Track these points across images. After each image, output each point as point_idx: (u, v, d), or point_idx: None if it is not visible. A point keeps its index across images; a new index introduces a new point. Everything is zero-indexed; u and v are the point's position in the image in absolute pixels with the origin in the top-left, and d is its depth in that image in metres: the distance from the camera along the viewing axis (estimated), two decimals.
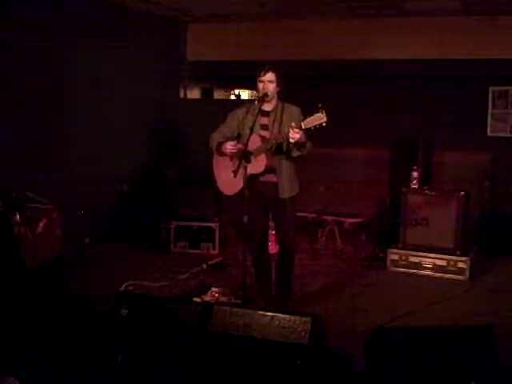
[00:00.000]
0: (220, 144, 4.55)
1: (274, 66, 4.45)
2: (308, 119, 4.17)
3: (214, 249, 6.62)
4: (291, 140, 4.19)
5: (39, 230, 4.95)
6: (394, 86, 7.51)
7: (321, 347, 3.24)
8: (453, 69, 7.12)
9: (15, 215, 4.70)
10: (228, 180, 4.51)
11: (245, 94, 10.41)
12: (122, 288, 4.97)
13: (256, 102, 4.46)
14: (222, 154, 4.55)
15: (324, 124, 4.11)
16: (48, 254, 5.06)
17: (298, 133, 4.14)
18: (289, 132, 4.17)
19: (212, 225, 6.66)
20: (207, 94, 9.64)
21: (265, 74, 4.41)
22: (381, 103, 7.53)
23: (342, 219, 6.99)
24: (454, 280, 5.78)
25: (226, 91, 10.31)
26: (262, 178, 4.48)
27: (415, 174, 6.22)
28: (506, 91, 7.28)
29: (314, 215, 7.06)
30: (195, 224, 6.68)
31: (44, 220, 5.01)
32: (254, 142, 4.36)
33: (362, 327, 4.29)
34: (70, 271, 5.34)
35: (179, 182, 7.49)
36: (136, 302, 3.53)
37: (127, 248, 6.68)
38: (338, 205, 6.97)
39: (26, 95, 5.66)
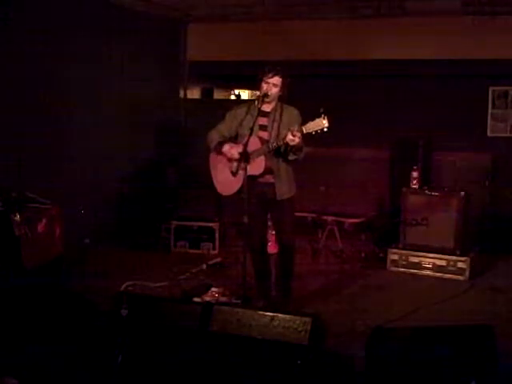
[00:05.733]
0: (220, 144, 4.55)
1: (281, 71, 4.42)
2: (309, 124, 4.16)
3: (214, 249, 6.62)
4: (290, 143, 4.18)
5: (39, 229, 4.94)
6: (394, 86, 7.51)
7: (321, 347, 3.24)
8: (453, 69, 7.12)
9: (15, 215, 4.70)
10: (225, 180, 4.51)
11: (245, 94, 10.39)
12: (122, 288, 4.97)
13: (256, 102, 4.46)
14: (221, 154, 4.55)
15: (325, 129, 4.10)
16: (48, 254, 5.06)
17: (297, 136, 4.14)
18: (287, 135, 4.16)
19: (212, 225, 6.65)
20: (207, 94, 9.64)
21: (272, 77, 4.39)
22: (381, 103, 7.52)
23: (342, 219, 6.99)
24: (454, 280, 5.78)
25: (226, 91, 10.30)
26: (260, 179, 4.49)
27: (415, 174, 6.21)
28: (506, 91, 7.28)
29: (314, 215, 7.06)
30: (195, 224, 6.68)
31: (44, 220, 5.01)
32: (253, 144, 4.35)
33: (361, 327, 4.29)
34: (70, 271, 5.34)
35: (179, 182, 7.50)
36: (136, 301, 3.53)
37: (127, 248, 6.68)
38: (338, 205, 6.96)
39: (26, 95, 5.67)
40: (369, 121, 7.49)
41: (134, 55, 7.17)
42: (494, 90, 7.31)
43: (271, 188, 4.52)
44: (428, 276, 5.92)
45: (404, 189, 6.19)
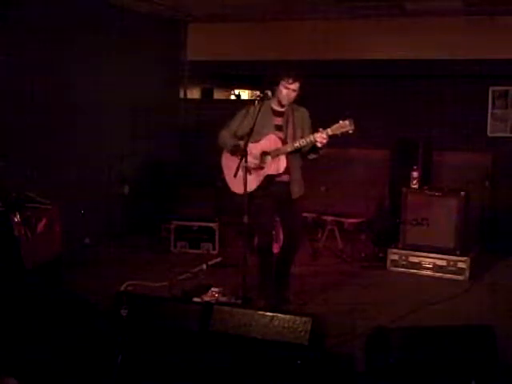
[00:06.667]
0: (237, 146, 4.55)
1: (301, 76, 4.47)
2: (334, 126, 4.28)
3: (214, 249, 6.62)
4: (319, 144, 4.31)
5: (39, 230, 4.94)
6: (394, 86, 7.51)
7: (321, 347, 3.24)
8: (453, 69, 7.12)
9: (15, 215, 4.70)
10: (240, 179, 4.54)
11: (245, 94, 10.39)
12: (122, 288, 4.97)
13: (256, 102, 4.48)
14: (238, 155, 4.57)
15: (350, 132, 4.23)
16: (48, 253, 5.06)
17: (326, 138, 4.26)
18: (316, 136, 4.28)
19: (212, 225, 6.65)
20: (207, 94, 9.64)
21: (293, 83, 4.45)
22: (381, 103, 7.53)
23: (342, 219, 6.99)
24: (454, 280, 5.78)
25: (226, 91, 10.31)
26: (277, 178, 4.57)
27: (415, 174, 6.21)
28: (506, 91, 7.27)
29: (314, 215, 7.05)
30: (195, 224, 6.67)
31: (44, 220, 5.00)
32: (273, 143, 4.45)
33: (361, 327, 4.29)
34: (70, 271, 5.34)
35: (179, 182, 7.49)
36: (136, 301, 3.53)
37: (127, 248, 6.67)
38: (338, 205, 6.96)
39: (26, 95, 5.66)
40: (369, 121, 7.48)
41: (134, 55, 7.17)
42: (494, 90, 7.30)
43: (286, 187, 4.59)
44: (428, 276, 5.91)
45: (404, 189, 6.19)
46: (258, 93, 4.60)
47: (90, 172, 6.45)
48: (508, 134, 7.29)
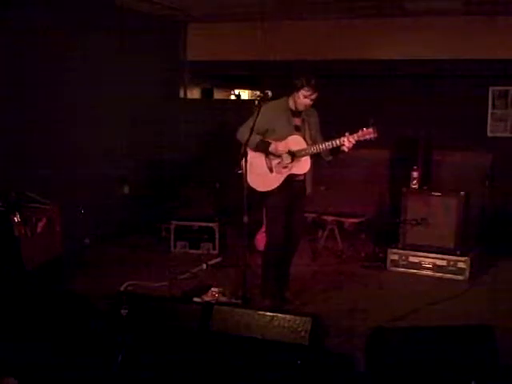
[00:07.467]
0: (264, 143, 4.58)
1: (322, 86, 4.54)
2: (360, 132, 4.39)
3: (214, 249, 6.62)
4: (346, 149, 4.43)
5: (39, 230, 4.94)
6: (394, 86, 7.51)
7: (321, 347, 3.24)
8: (453, 69, 7.12)
9: (15, 215, 4.70)
10: (262, 176, 4.60)
11: (245, 94, 10.40)
12: (122, 288, 4.97)
13: (256, 102, 4.49)
14: (265, 152, 4.60)
15: (372, 139, 4.37)
16: (48, 253, 5.06)
17: (353, 143, 4.37)
18: (344, 140, 4.40)
19: (212, 225, 6.65)
20: (207, 94, 9.64)
21: (314, 93, 4.51)
22: (381, 103, 7.52)
23: (342, 219, 6.98)
24: (454, 280, 5.77)
25: (226, 91, 10.30)
26: (297, 177, 4.65)
27: (415, 174, 6.21)
28: (506, 91, 7.27)
29: (314, 215, 7.05)
30: (195, 224, 6.67)
31: (44, 220, 5.01)
32: (297, 143, 4.53)
33: (361, 327, 4.29)
34: (70, 271, 5.34)
35: (179, 182, 7.49)
36: (136, 301, 3.53)
37: (127, 248, 6.67)
38: (338, 205, 6.96)
39: (27, 95, 5.67)
40: (369, 120, 7.48)
41: (134, 55, 7.16)
42: (494, 90, 7.30)
43: (302, 184, 4.72)
44: (428, 276, 5.91)
45: (404, 189, 6.19)
46: (257, 93, 4.60)
47: (89, 172, 6.44)
48: (508, 134, 7.29)
